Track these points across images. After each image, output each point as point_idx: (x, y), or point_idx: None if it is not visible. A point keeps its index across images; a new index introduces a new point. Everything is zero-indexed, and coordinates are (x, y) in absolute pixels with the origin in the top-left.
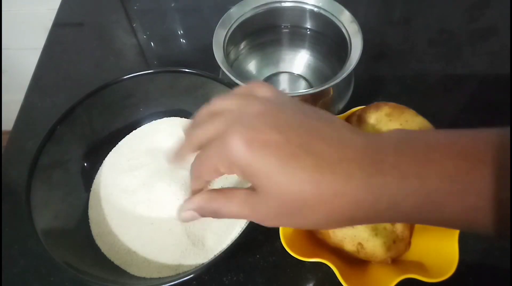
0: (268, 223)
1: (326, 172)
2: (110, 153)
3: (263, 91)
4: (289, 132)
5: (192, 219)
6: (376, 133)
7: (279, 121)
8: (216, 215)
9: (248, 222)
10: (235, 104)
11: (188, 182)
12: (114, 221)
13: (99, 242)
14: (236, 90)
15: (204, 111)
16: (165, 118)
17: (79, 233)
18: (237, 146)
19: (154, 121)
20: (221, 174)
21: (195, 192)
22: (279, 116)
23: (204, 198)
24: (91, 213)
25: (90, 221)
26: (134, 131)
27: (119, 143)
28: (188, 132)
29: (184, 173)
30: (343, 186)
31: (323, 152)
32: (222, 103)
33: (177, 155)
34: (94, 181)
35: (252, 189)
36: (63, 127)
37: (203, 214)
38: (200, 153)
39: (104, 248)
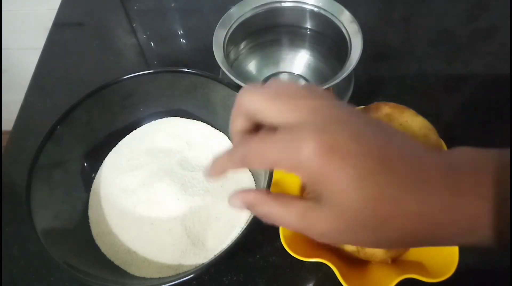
0: (327, 238)
1: (405, 191)
2: (110, 153)
3: (323, 92)
4: (368, 144)
5: (238, 208)
6: (447, 150)
7: (358, 130)
8: (267, 218)
9: (248, 222)
10: (310, 104)
11: (187, 183)
12: (114, 221)
13: (99, 242)
14: (293, 86)
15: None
16: (165, 118)
17: (79, 233)
18: (313, 152)
19: (154, 121)
20: (271, 168)
21: (220, 165)
22: (356, 124)
23: (259, 198)
24: (91, 213)
25: (90, 221)
26: (134, 131)
27: (119, 143)
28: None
29: (184, 173)
30: (422, 206)
31: (401, 169)
32: (290, 92)
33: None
34: (94, 181)
35: (314, 199)
36: (63, 127)
37: (252, 211)
38: (257, 139)
39: (104, 248)
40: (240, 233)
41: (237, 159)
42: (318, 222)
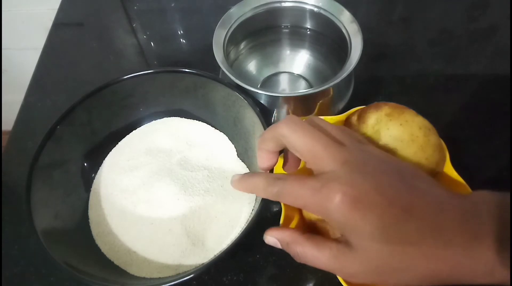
0: (355, 279)
1: (428, 237)
2: (110, 153)
3: (352, 135)
4: (392, 194)
5: (271, 244)
6: (466, 195)
7: (382, 181)
8: (299, 258)
9: (248, 222)
10: (343, 156)
11: (187, 183)
12: (114, 221)
13: (99, 242)
14: (326, 126)
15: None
16: (165, 118)
17: (79, 233)
18: (341, 203)
19: (154, 121)
20: (301, 208)
21: (252, 187)
22: (382, 174)
23: (294, 238)
24: (91, 213)
25: (90, 221)
26: (134, 131)
27: (119, 143)
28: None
29: (184, 173)
30: (443, 251)
31: (423, 216)
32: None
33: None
34: (94, 181)
35: (344, 243)
36: (63, 127)
37: (285, 249)
38: (295, 180)
39: (104, 248)
40: (240, 233)
41: (273, 192)
42: (349, 264)
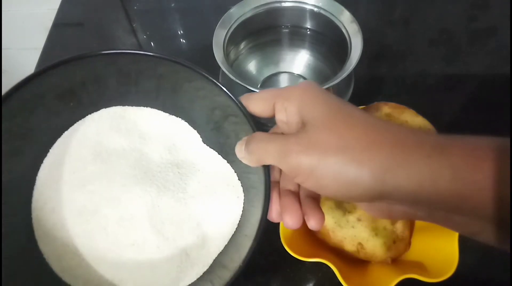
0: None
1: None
2: (43, 165)
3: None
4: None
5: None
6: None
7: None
8: (249, 152)
9: (259, 227)
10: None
11: (161, 187)
12: (81, 252)
13: (67, 278)
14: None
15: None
16: (102, 109)
17: (39, 276)
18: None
19: (88, 116)
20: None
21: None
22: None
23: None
24: (43, 247)
25: (45, 257)
26: (65, 132)
27: (50, 151)
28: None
29: (151, 175)
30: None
31: (391, 128)
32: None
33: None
34: (32, 206)
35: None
36: None
37: (246, 149)
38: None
39: (77, 284)
40: (253, 239)
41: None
42: (295, 146)
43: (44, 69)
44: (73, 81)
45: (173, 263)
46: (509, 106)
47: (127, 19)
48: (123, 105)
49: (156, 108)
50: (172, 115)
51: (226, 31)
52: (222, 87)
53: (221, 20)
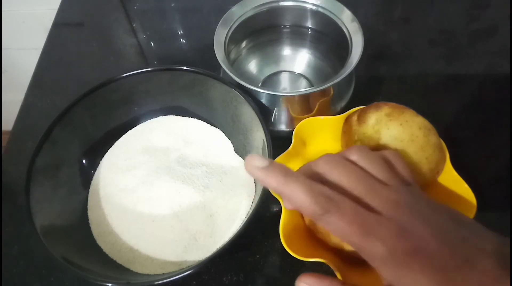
0: None
1: None
2: (107, 153)
3: (395, 174)
4: (451, 241)
5: None
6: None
7: (437, 225)
8: None
9: (248, 216)
10: (391, 197)
11: (187, 179)
12: (114, 220)
13: (100, 242)
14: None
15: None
16: (160, 116)
17: (79, 233)
18: (389, 255)
19: (149, 120)
20: (341, 239)
21: (295, 194)
22: (433, 214)
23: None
24: (91, 213)
25: (90, 221)
26: (129, 131)
27: (115, 143)
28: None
29: (183, 170)
30: None
31: (485, 266)
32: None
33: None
34: (92, 181)
35: None
36: (60, 127)
37: None
38: (351, 207)
39: (105, 248)
40: (241, 226)
41: (318, 213)
42: None
43: (117, 78)
44: (138, 90)
45: (181, 242)
46: (509, 106)
47: (127, 19)
48: (176, 115)
49: (201, 120)
50: (213, 126)
51: (227, 30)
52: (258, 115)
53: (222, 19)
